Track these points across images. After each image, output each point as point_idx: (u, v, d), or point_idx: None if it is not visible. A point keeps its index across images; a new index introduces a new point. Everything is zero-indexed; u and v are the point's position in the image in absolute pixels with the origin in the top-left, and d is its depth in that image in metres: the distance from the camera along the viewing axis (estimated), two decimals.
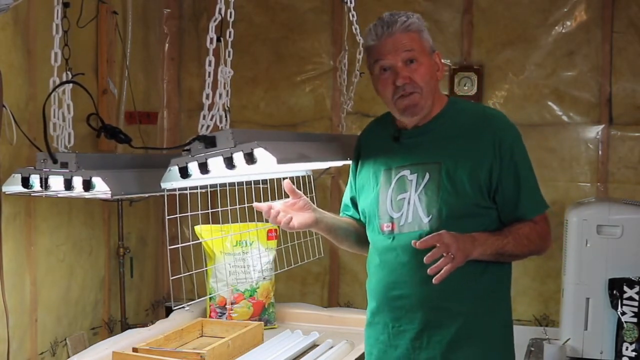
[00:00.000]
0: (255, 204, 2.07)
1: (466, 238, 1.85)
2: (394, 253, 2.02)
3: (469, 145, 1.97)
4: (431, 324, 1.98)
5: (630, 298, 2.90)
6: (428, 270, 1.81)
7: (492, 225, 1.97)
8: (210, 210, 2.25)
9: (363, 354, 2.61)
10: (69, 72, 2.64)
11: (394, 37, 1.95)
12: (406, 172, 2.01)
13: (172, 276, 2.10)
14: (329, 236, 2.19)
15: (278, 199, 2.61)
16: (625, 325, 2.90)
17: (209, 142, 1.95)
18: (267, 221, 2.07)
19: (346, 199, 2.28)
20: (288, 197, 2.08)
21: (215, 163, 1.94)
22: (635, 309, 2.89)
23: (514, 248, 1.94)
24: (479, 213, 1.95)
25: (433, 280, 1.80)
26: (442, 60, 2.06)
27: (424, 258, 1.80)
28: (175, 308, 2.81)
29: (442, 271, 1.79)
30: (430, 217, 1.95)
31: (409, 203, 1.99)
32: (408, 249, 1.95)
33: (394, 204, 2.02)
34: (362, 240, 2.18)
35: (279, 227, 2.06)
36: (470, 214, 1.93)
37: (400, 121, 2.07)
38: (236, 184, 2.34)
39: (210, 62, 2.17)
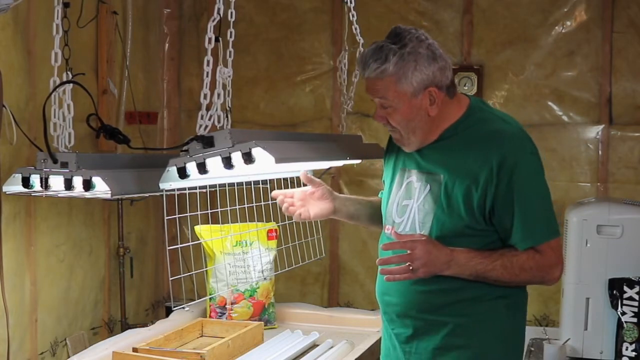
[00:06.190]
0: (273, 192, 2.04)
1: (441, 256, 1.81)
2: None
3: (471, 162, 1.86)
4: (419, 331, 1.96)
5: (630, 298, 2.90)
6: (380, 270, 1.85)
7: (494, 245, 1.88)
8: (210, 211, 2.24)
9: (363, 354, 2.63)
10: (69, 72, 2.64)
11: (368, 81, 1.89)
12: (413, 178, 1.97)
13: (171, 276, 2.10)
14: (351, 222, 2.18)
15: None
16: (625, 325, 2.90)
17: (207, 142, 1.95)
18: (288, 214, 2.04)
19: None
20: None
21: (214, 163, 1.94)
22: (635, 309, 2.89)
23: (500, 275, 1.85)
24: (474, 234, 1.87)
25: (384, 279, 1.84)
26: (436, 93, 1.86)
27: (376, 261, 1.84)
28: (175, 308, 2.82)
29: (396, 276, 1.82)
30: (424, 232, 1.89)
31: (410, 211, 1.95)
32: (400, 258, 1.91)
33: (399, 208, 1.99)
34: None
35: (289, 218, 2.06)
36: (464, 234, 1.85)
37: None
38: (236, 184, 2.34)
39: (208, 62, 2.17)
